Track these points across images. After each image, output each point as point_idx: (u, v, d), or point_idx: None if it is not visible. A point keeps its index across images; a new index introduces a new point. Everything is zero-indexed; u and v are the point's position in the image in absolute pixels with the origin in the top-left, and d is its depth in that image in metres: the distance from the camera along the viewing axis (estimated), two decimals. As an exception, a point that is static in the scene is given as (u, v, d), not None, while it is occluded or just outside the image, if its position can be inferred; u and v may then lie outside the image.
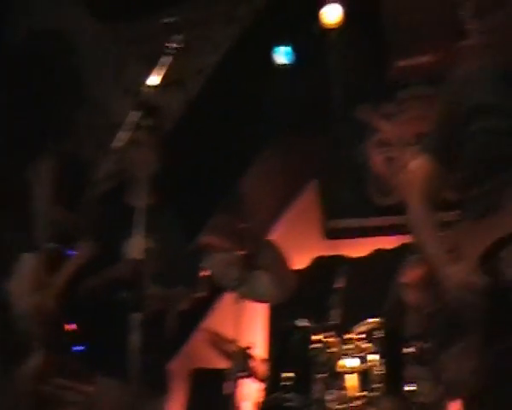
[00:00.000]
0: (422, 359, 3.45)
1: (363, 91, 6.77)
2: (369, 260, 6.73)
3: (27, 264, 3.64)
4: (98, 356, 3.59)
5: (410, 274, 4.19)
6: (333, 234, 7.10)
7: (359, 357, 4.18)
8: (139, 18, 5.51)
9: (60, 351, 3.67)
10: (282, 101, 5.82)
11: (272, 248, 4.66)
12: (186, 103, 5.62)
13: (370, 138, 6.96)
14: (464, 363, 2.00)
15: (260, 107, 5.73)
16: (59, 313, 3.61)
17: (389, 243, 6.51)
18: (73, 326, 3.83)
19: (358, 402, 4.03)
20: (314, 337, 4.23)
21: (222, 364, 4.64)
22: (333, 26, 5.70)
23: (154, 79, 3.08)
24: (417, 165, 2.34)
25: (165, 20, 3.15)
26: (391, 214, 6.46)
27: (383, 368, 4.06)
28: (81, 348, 3.81)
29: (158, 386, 3.64)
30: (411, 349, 3.86)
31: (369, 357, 4.14)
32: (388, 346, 4.11)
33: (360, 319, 4.35)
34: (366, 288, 5.84)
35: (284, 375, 4.16)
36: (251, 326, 5.63)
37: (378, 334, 4.17)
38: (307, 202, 7.33)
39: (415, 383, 3.82)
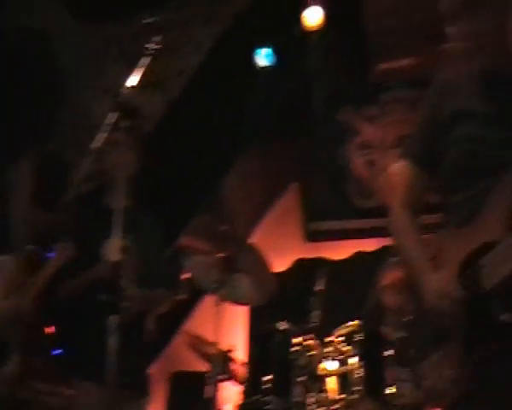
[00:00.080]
0: (403, 360, 3.46)
1: (344, 94, 6.79)
2: (350, 263, 6.73)
3: (5, 266, 3.60)
4: (77, 359, 3.57)
5: (390, 276, 4.22)
6: (313, 236, 7.10)
7: (339, 360, 4.17)
8: (119, 18, 5.48)
9: (38, 354, 3.64)
10: (264, 103, 5.82)
11: (253, 251, 4.66)
12: (167, 104, 5.59)
13: (352, 141, 6.97)
14: (444, 371, 1.99)
15: (241, 108, 5.72)
16: (37, 315, 3.58)
17: (370, 245, 6.53)
18: (52, 329, 3.80)
19: (338, 405, 4.03)
20: (294, 340, 4.22)
21: (202, 367, 4.63)
22: (314, 29, 5.70)
23: (133, 80, 3.06)
24: (398, 168, 2.33)
25: (146, 21, 3.13)
26: (372, 217, 6.47)
27: (363, 371, 4.06)
28: (59, 351, 3.78)
29: (138, 389, 3.64)
30: (391, 352, 3.87)
31: (350, 360, 4.14)
32: (368, 349, 4.11)
33: (340, 321, 4.34)
34: (347, 290, 5.84)
35: (264, 378, 4.15)
36: (231, 329, 5.62)
37: (358, 337, 4.16)
38: (288, 204, 7.32)
39: (395, 385, 3.83)
